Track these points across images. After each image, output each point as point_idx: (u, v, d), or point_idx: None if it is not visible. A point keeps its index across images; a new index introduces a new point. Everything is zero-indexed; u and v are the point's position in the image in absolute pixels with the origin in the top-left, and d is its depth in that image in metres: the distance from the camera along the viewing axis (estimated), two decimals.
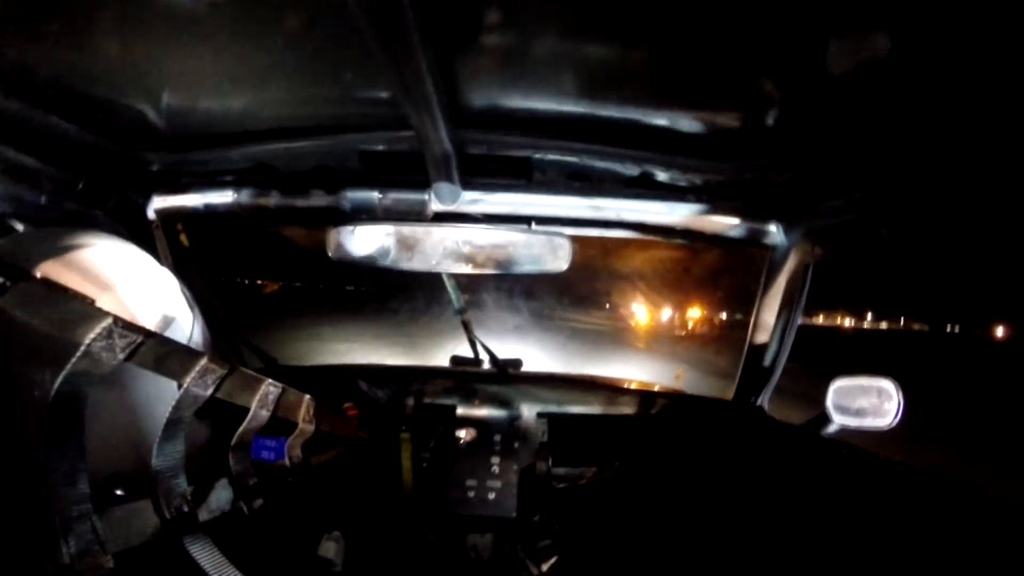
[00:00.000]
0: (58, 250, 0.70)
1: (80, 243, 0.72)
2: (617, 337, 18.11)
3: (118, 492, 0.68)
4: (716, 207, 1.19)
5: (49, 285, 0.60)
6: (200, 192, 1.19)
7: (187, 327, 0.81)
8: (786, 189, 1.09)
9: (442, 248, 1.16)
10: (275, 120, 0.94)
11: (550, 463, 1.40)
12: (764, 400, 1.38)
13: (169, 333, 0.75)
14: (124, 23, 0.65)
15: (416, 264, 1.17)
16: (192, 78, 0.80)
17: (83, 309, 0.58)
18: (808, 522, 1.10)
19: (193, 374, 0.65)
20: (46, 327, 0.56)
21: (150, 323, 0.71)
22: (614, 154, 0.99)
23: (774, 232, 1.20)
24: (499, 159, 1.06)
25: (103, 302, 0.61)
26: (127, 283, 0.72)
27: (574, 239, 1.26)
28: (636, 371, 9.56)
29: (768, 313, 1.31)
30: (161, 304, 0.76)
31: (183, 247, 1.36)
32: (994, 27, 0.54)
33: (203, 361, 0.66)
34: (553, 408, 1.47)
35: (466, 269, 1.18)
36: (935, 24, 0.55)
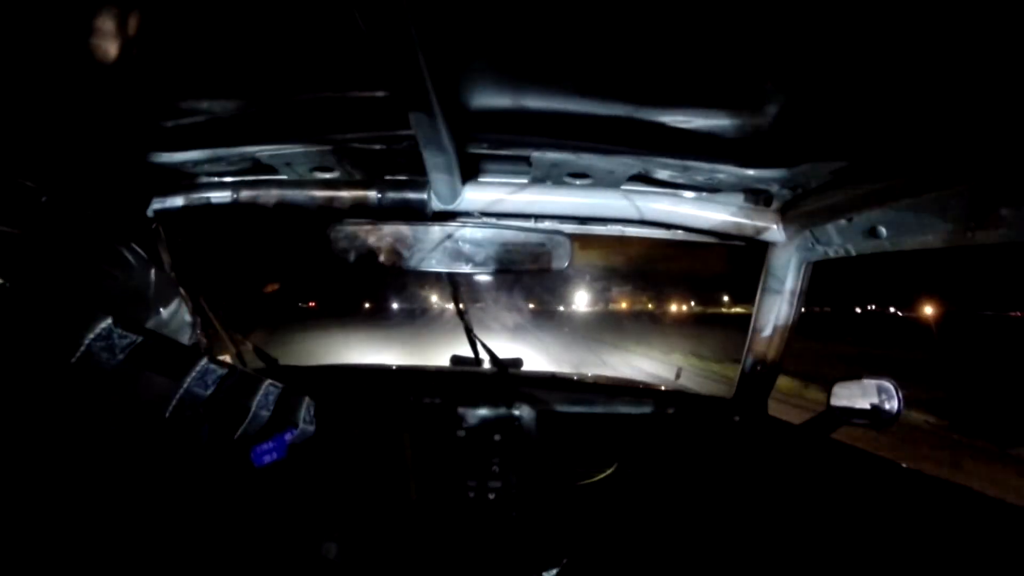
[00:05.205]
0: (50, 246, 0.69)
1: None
2: (617, 335, 18.13)
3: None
4: (715, 205, 1.19)
5: (50, 285, 0.60)
6: (200, 192, 1.19)
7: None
8: (785, 187, 1.09)
9: (442, 247, 1.16)
10: (275, 120, 0.94)
11: (551, 463, 1.40)
12: (764, 398, 1.38)
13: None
14: (124, 23, 0.65)
15: (416, 263, 1.17)
16: (192, 78, 0.80)
17: (83, 308, 0.58)
18: (808, 520, 1.10)
19: (193, 374, 0.65)
20: (46, 326, 0.56)
21: None
22: (614, 152, 0.99)
23: (774, 230, 1.20)
24: (499, 158, 1.05)
25: None
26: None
27: (574, 237, 1.26)
28: (636, 370, 9.56)
29: (767, 311, 1.31)
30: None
31: (183, 246, 1.36)
32: (991, 29, 0.54)
33: (203, 361, 0.66)
34: (554, 408, 1.48)
35: (466, 268, 1.18)
36: (933, 24, 0.55)
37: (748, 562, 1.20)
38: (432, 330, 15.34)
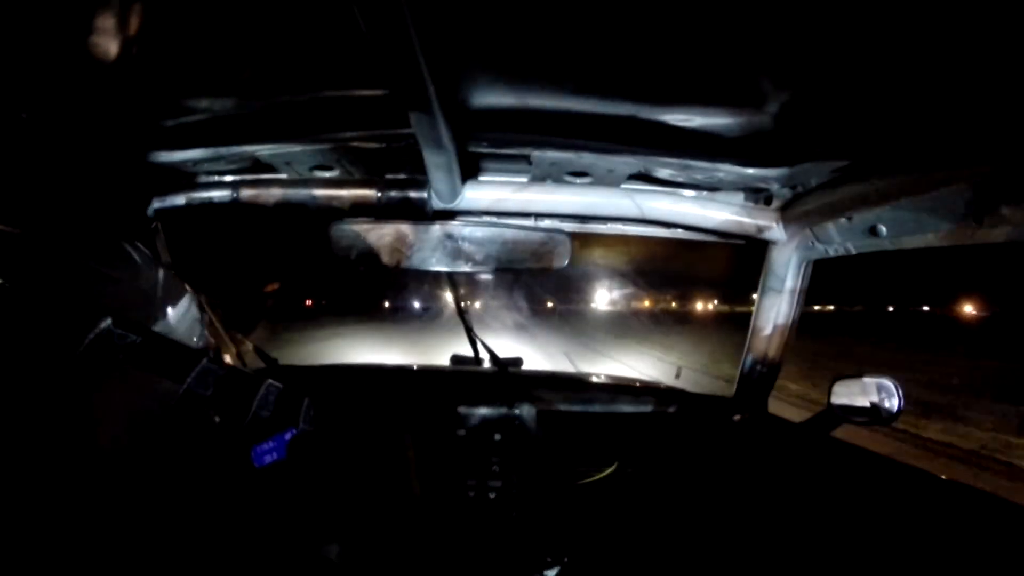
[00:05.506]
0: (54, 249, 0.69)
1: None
2: (617, 333, 18.14)
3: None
4: (715, 204, 1.19)
5: (50, 286, 0.60)
6: (200, 191, 1.19)
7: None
8: (785, 186, 1.09)
9: (442, 246, 1.16)
10: (274, 119, 0.94)
11: (551, 462, 1.40)
12: (765, 397, 1.38)
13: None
14: (124, 22, 0.65)
15: (416, 262, 1.17)
16: (192, 77, 0.80)
17: (83, 309, 0.58)
18: (808, 518, 1.10)
19: (193, 375, 0.65)
20: (46, 327, 0.56)
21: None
22: (613, 151, 0.99)
23: (774, 229, 1.20)
24: (499, 157, 1.05)
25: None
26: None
27: (574, 236, 1.25)
28: (636, 369, 9.57)
29: (768, 309, 1.31)
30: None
31: (182, 246, 1.36)
32: (990, 27, 0.54)
33: (203, 362, 0.66)
34: (554, 407, 1.48)
35: (466, 267, 1.18)
36: (933, 22, 0.55)
37: (749, 560, 1.20)
38: (435, 330, 15.34)
